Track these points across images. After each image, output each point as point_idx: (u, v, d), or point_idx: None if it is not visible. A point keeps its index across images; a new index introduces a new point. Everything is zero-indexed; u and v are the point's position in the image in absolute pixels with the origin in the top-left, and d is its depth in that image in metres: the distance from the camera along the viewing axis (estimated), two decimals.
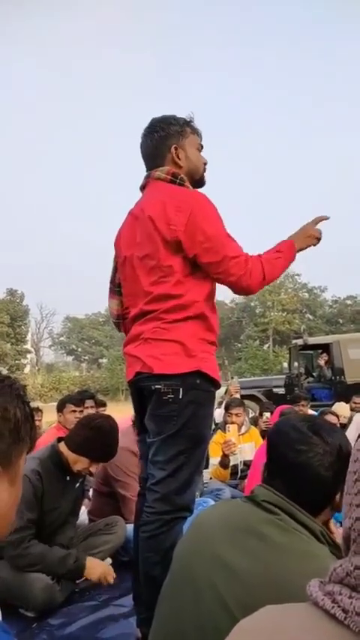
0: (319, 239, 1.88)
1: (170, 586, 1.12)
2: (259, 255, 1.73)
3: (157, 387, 1.62)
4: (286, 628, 0.57)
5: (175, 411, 1.61)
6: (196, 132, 1.88)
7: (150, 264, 1.70)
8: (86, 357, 46.73)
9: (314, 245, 1.88)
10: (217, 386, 1.71)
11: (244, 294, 1.83)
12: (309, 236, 1.85)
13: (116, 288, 1.92)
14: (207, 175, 1.93)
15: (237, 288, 1.72)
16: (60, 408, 3.94)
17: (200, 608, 1.00)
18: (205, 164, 1.91)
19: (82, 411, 3.87)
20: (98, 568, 2.21)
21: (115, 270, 1.93)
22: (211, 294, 1.74)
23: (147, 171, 1.86)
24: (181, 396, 1.60)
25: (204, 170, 1.90)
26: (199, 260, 1.66)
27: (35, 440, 0.85)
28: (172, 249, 1.66)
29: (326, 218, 1.89)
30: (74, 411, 3.83)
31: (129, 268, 1.80)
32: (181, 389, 1.61)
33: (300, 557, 0.97)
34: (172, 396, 1.60)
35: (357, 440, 0.59)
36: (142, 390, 1.70)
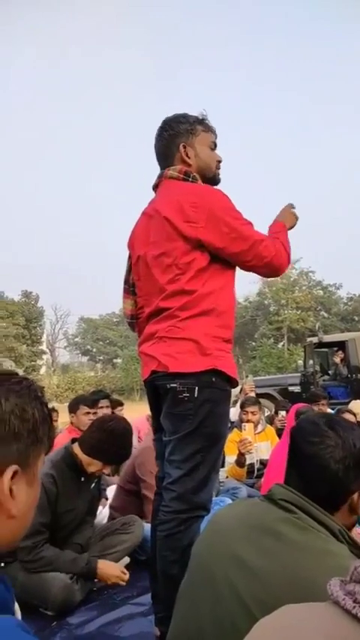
0: (297, 218, 1.96)
1: (188, 585, 1.12)
2: (277, 237, 1.80)
3: (172, 385, 1.62)
4: (307, 627, 0.56)
5: (191, 410, 1.60)
6: (209, 130, 1.88)
7: (166, 262, 1.70)
8: (101, 358, 46.95)
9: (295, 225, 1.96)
10: (234, 384, 1.70)
11: (274, 275, 1.86)
12: (291, 214, 1.94)
13: (130, 288, 1.93)
14: (220, 173, 1.92)
15: (270, 269, 1.76)
16: (73, 409, 3.87)
17: (219, 607, 1.00)
18: (220, 162, 1.90)
19: (95, 413, 3.81)
20: (111, 571, 2.22)
21: (129, 270, 1.93)
22: (225, 287, 1.73)
23: (160, 170, 1.87)
24: (196, 395, 1.60)
25: (217, 168, 1.89)
26: (228, 251, 1.69)
27: (53, 441, 0.85)
28: (191, 246, 1.67)
29: (293, 206, 1.98)
30: (88, 413, 3.76)
31: (143, 267, 1.80)
32: (196, 387, 1.60)
33: (318, 555, 0.97)
34: (188, 394, 1.60)
35: None
36: (157, 388, 1.70)
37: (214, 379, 1.63)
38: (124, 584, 2.22)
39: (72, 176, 66.33)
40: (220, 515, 1.17)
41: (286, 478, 1.12)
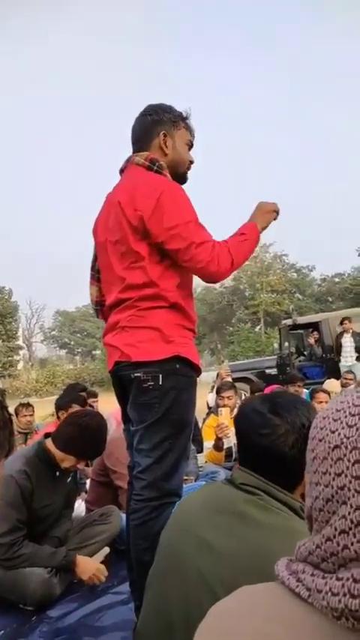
0: (277, 212, 1.85)
1: (156, 572, 1.13)
2: (225, 241, 1.69)
3: (136, 375, 1.61)
4: (257, 609, 0.57)
5: (156, 398, 1.60)
6: (189, 128, 1.86)
7: (121, 249, 1.69)
8: (79, 350, 46.68)
9: (275, 219, 1.85)
10: (198, 371, 1.71)
11: (212, 281, 1.73)
12: (267, 212, 1.82)
13: (96, 275, 1.92)
14: (189, 174, 1.90)
15: (205, 275, 1.67)
16: (64, 407, 3.75)
17: (186, 592, 1.01)
18: (192, 162, 1.88)
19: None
20: (90, 567, 2.22)
21: (96, 256, 1.92)
22: (184, 282, 1.71)
23: (133, 153, 1.84)
24: (161, 383, 1.60)
25: (188, 168, 1.88)
26: (167, 247, 1.63)
27: (13, 445, 0.84)
28: (139, 235, 1.64)
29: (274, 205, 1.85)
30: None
31: (103, 254, 1.79)
32: (160, 375, 1.60)
33: (282, 534, 0.98)
34: (152, 383, 1.60)
35: (315, 418, 0.58)
36: (122, 379, 1.70)
37: (177, 366, 1.62)
38: (103, 579, 2.21)
39: (48, 165, 65.42)
40: (186, 501, 1.17)
41: (241, 463, 1.13)
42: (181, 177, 1.84)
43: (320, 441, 0.54)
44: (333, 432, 0.53)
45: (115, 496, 2.84)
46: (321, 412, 0.57)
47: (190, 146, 1.88)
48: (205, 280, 1.72)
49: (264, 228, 1.81)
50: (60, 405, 3.85)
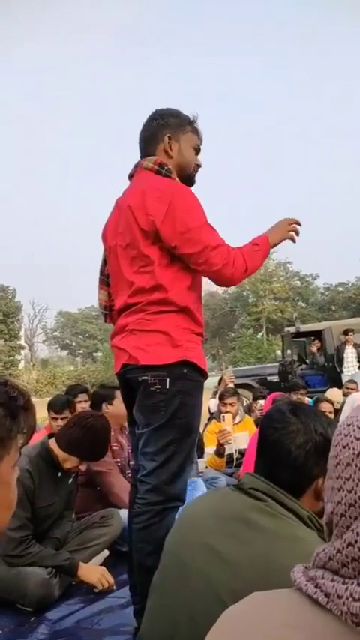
0: (297, 233, 1.84)
1: (161, 576, 1.12)
2: (240, 248, 1.72)
3: (143, 378, 1.62)
4: (273, 615, 0.56)
5: (162, 402, 1.60)
6: (196, 132, 1.88)
7: (131, 253, 1.70)
8: (81, 351, 46.76)
9: (291, 239, 1.85)
10: (205, 375, 1.71)
11: (226, 285, 1.78)
12: (283, 229, 1.83)
13: (105, 279, 1.92)
14: (197, 177, 1.92)
15: (220, 278, 1.69)
16: (48, 410, 3.70)
17: (191, 597, 1.00)
18: (199, 166, 1.90)
19: (63, 419, 3.56)
20: (94, 573, 2.22)
21: (105, 261, 1.93)
22: (194, 286, 1.72)
23: (140, 158, 1.85)
24: (168, 387, 1.60)
25: (195, 171, 1.89)
26: (180, 251, 1.64)
27: (30, 435, 0.84)
28: (150, 240, 1.65)
29: (299, 223, 1.85)
30: (55, 419, 3.51)
31: (113, 258, 1.80)
32: (167, 379, 1.60)
33: (288, 541, 0.97)
34: (159, 386, 1.60)
35: (339, 425, 0.58)
36: (129, 381, 1.70)
37: (185, 370, 1.62)
38: (105, 585, 2.19)
39: (50, 168, 65.70)
40: (192, 506, 1.17)
41: (255, 466, 1.13)
42: (187, 180, 1.85)
43: (344, 447, 0.54)
44: (358, 439, 0.53)
45: (97, 494, 2.83)
46: (345, 420, 0.57)
47: (198, 150, 1.89)
48: (218, 284, 1.74)
49: (276, 244, 1.82)
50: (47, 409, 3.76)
